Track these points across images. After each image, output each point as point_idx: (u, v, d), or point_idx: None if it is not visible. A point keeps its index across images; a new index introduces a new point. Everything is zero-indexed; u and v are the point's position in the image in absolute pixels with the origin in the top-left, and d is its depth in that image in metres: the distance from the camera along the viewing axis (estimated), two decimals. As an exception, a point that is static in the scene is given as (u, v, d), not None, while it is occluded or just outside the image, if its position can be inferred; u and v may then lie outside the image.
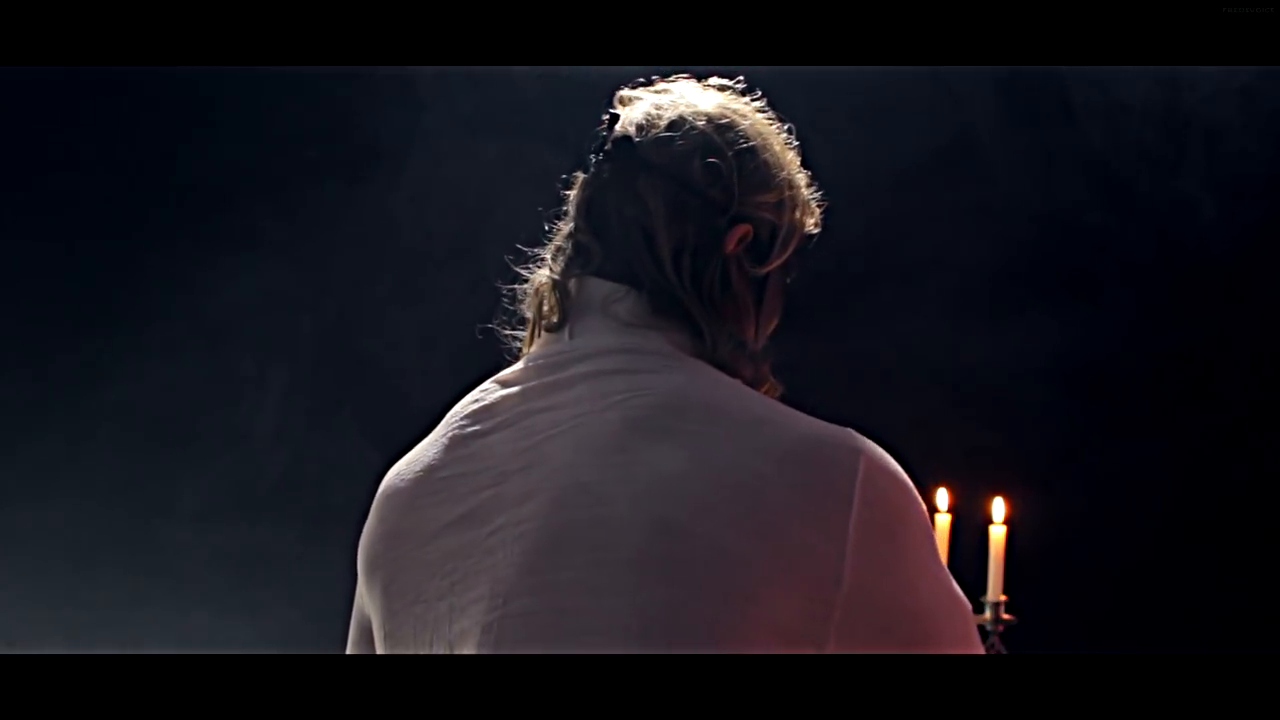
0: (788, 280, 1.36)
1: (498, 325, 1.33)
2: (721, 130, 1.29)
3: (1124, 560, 2.95)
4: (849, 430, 1.19)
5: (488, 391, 1.25)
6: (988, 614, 2.51)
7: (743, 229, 1.28)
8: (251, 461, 3.15)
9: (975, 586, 2.55)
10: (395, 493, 1.24)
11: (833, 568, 1.11)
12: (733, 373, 1.25)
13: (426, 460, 1.23)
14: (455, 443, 1.23)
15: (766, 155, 1.31)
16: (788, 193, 1.32)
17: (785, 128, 1.35)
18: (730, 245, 1.27)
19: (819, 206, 1.37)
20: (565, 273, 1.28)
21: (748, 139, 1.29)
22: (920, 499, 1.20)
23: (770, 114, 1.34)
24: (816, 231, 1.37)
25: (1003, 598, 2.51)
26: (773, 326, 1.36)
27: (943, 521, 2.56)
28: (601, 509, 1.13)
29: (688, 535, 1.10)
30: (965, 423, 2.95)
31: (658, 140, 1.28)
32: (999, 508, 2.52)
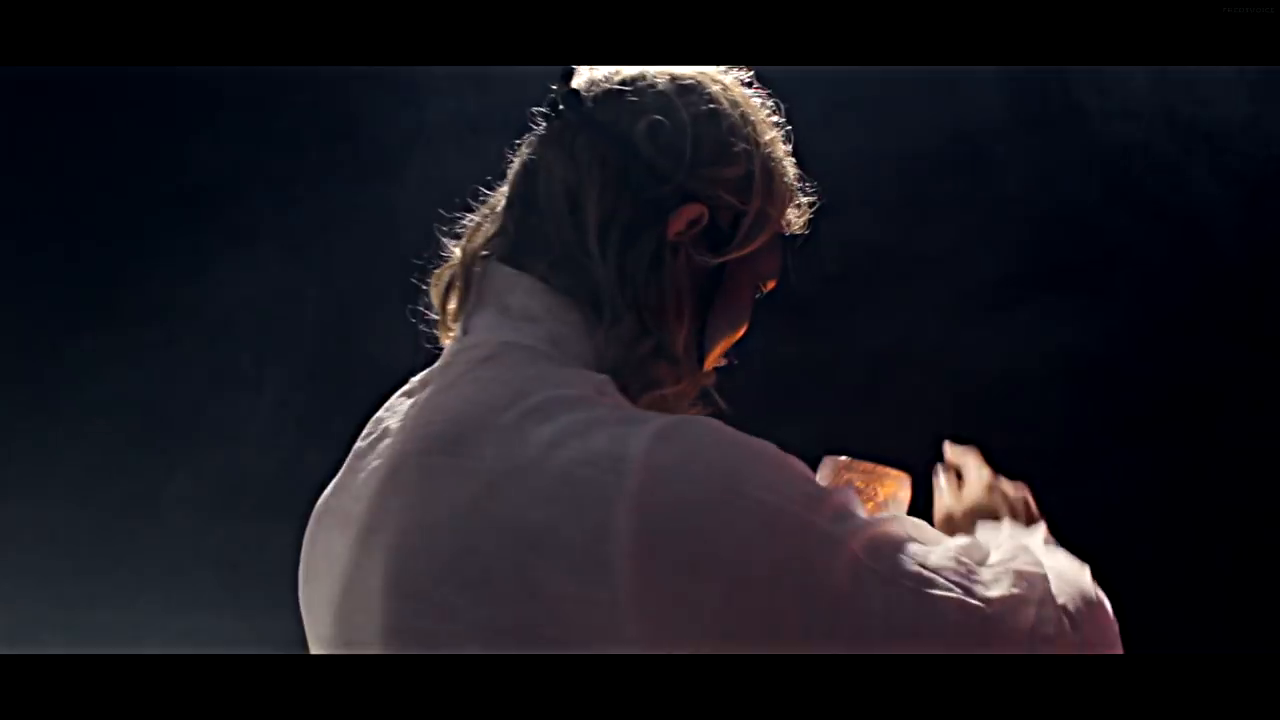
0: (760, 288, 1.17)
1: (420, 310, 1.21)
2: (684, 91, 1.10)
3: (1124, 560, 2.94)
4: (649, 428, 0.94)
5: (396, 397, 1.14)
6: (988, 614, 2.52)
7: (694, 209, 1.08)
8: (248, 460, 3.15)
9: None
10: (313, 516, 1.13)
11: (607, 621, 0.88)
12: (639, 378, 1.07)
13: (334, 481, 1.12)
14: (351, 461, 1.10)
15: (733, 124, 1.10)
16: (759, 176, 1.11)
17: (773, 105, 1.17)
18: (675, 226, 1.07)
19: (809, 206, 1.17)
20: (473, 255, 1.14)
21: (714, 102, 1.10)
22: (779, 482, 0.93)
23: (756, 88, 1.16)
24: (801, 232, 1.17)
25: (1003, 598, 2.51)
26: (727, 339, 1.16)
27: (943, 521, 2.56)
28: (366, 563, 0.99)
29: (430, 602, 0.93)
30: (966, 423, 2.95)
31: (607, 94, 1.10)
32: (999, 508, 2.52)
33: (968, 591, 0.97)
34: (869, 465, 1.29)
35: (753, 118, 1.13)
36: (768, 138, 1.13)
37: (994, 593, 0.99)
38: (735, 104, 1.12)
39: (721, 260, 1.10)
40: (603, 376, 1.04)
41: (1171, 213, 3.00)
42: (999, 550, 1.06)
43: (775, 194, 1.14)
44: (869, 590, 0.93)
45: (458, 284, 1.15)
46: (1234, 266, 2.98)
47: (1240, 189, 2.97)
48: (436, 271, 1.19)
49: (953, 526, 1.30)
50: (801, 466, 1.00)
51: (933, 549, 0.99)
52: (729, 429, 0.98)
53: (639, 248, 1.06)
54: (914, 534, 1.00)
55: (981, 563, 1.01)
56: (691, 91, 1.10)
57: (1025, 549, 1.08)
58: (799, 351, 2.66)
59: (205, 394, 3.16)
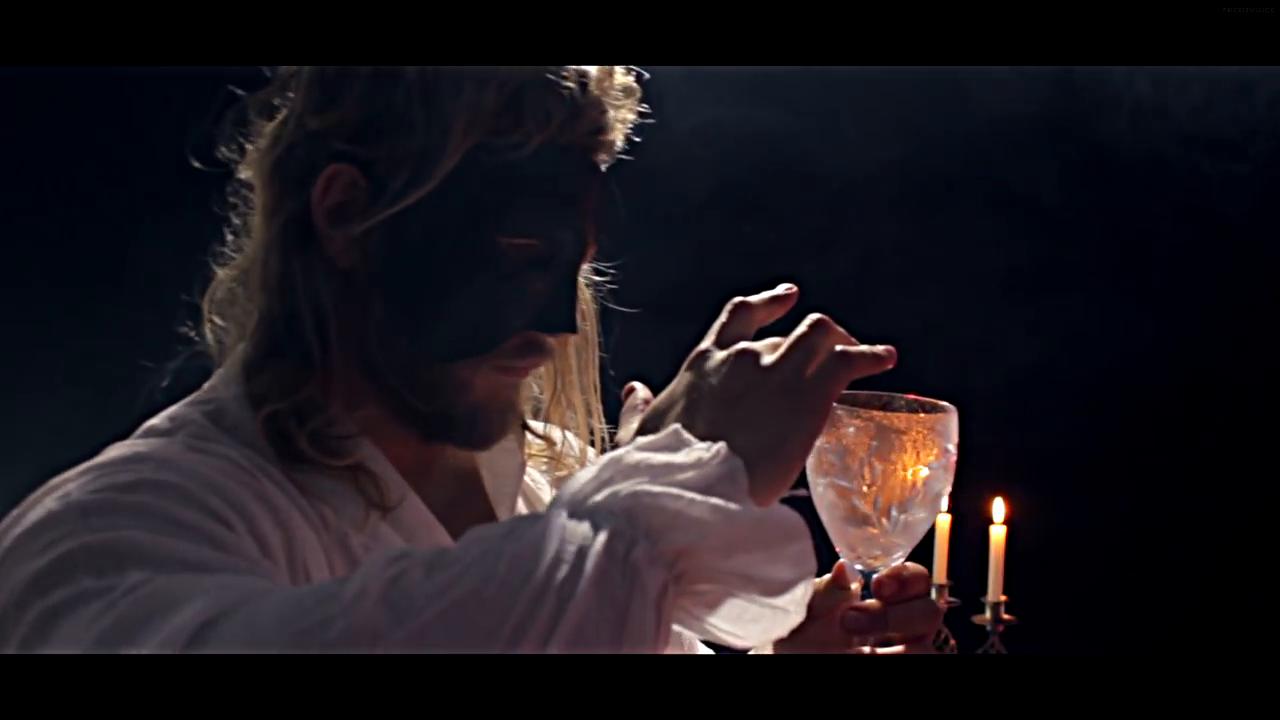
0: (526, 249, 0.93)
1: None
2: None
3: (1124, 560, 2.94)
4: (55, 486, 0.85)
5: None
6: (988, 614, 2.51)
7: (336, 171, 0.93)
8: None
9: (975, 586, 2.55)
10: None
11: None
12: (260, 384, 0.95)
13: None
14: None
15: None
16: (411, 103, 0.91)
17: None
18: (319, 197, 0.94)
19: (585, 116, 0.93)
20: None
21: None
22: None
23: None
24: (601, 152, 0.94)
25: (1003, 598, 2.51)
26: (471, 326, 0.94)
27: (943, 521, 2.56)
28: None
29: None
30: (966, 422, 2.95)
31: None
32: (999, 508, 2.52)
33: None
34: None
35: None
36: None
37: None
38: None
39: (374, 223, 0.92)
40: (185, 413, 0.97)
41: (1182, 216, 3.00)
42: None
43: (452, 118, 0.92)
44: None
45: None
46: (1237, 273, 2.98)
47: (1259, 188, 2.97)
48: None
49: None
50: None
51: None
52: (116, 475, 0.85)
53: (271, 228, 0.96)
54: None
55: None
56: None
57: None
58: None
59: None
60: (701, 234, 2.81)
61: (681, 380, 0.87)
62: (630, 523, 0.74)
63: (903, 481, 0.90)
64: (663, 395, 0.88)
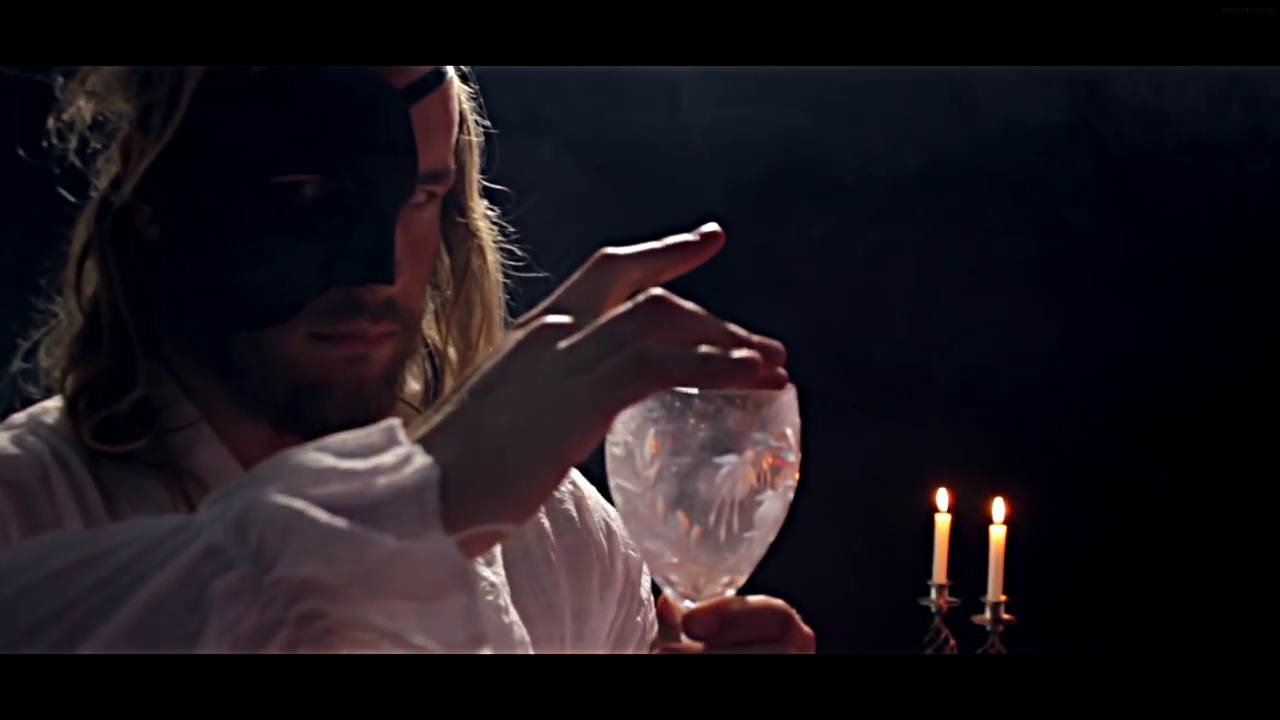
0: (292, 185, 0.83)
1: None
2: None
3: (1124, 560, 2.94)
4: None
5: None
6: (988, 614, 2.51)
7: (124, 136, 0.90)
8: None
9: (975, 586, 2.55)
10: None
11: None
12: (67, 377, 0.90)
13: None
14: None
15: None
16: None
17: None
18: (120, 166, 0.91)
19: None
20: None
21: None
22: None
23: None
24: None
25: (1003, 598, 2.51)
26: (247, 288, 0.84)
27: (943, 521, 2.56)
28: None
29: None
30: (966, 423, 2.95)
31: None
32: (999, 508, 2.52)
33: None
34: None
35: None
36: None
37: None
38: None
39: (137, 177, 0.87)
40: (43, 408, 0.92)
41: (1182, 218, 3.00)
42: None
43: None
44: None
45: None
46: (1236, 275, 2.98)
47: (1272, 188, 2.96)
48: None
49: None
50: None
51: None
52: None
53: (88, 207, 0.93)
54: None
55: None
56: None
57: None
58: (803, 345, 2.64)
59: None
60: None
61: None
62: (239, 539, 0.57)
63: (704, 483, 0.67)
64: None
